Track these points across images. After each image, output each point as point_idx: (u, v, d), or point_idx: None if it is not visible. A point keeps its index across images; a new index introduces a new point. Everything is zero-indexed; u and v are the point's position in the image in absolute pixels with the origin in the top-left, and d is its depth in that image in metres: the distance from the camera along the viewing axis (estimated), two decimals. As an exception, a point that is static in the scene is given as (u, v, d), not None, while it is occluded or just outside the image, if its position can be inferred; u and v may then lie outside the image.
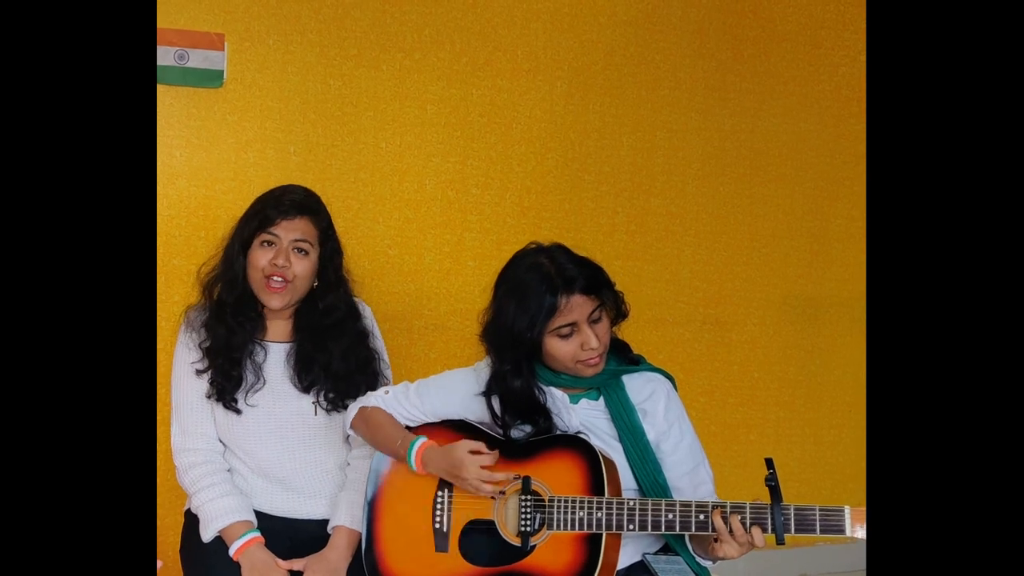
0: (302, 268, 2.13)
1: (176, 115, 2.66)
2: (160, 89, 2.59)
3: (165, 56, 2.60)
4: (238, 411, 2.13)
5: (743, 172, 3.26)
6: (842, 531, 1.73)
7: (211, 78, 2.67)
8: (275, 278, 2.11)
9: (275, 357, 2.18)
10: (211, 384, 2.14)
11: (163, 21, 2.57)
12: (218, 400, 2.13)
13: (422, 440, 1.95)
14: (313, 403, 2.16)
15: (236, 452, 2.17)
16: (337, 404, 2.16)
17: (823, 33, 3.31)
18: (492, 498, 1.90)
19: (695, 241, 3.22)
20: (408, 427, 2.03)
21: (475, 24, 2.92)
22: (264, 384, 2.15)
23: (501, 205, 3.00)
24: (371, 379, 2.21)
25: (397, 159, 2.88)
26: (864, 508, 1.69)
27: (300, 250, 2.13)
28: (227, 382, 2.12)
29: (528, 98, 3.00)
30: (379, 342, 2.30)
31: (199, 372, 2.14)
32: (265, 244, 2.12)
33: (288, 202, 2.14)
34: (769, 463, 1.76)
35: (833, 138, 3.35)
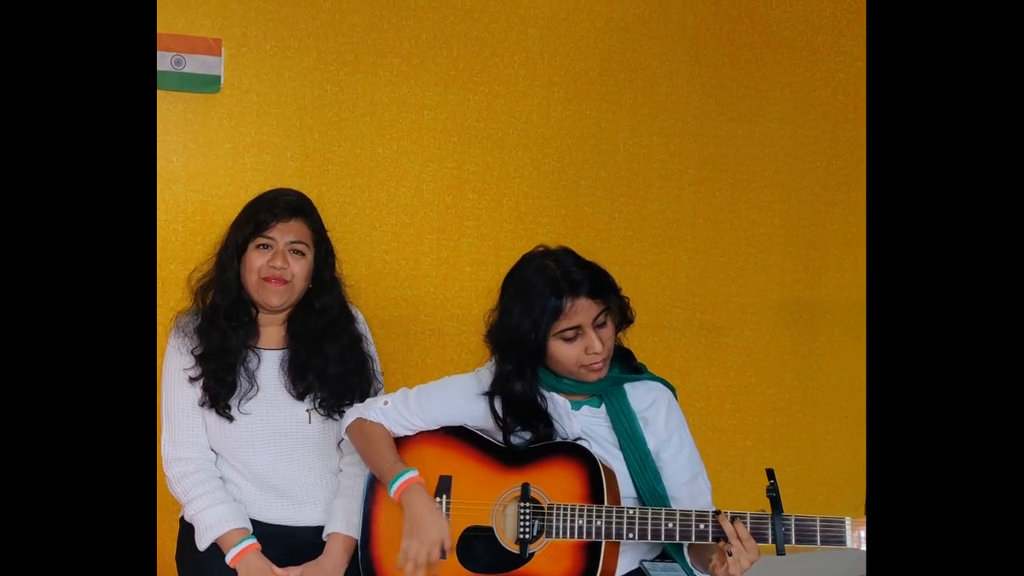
0: (299, 268, 2.14)
1: (173, 120, 2.65)
2: (157, 94, 2.59)
3: (162, 61, 2.59)
4: (231, 418, 2.12)
5: (740, 177, 3.26)
6: (843, 542, 1.72)
7: (208, 83, 2.66)
8: (273, 278, 2.12)
9: (269, 364, 2.17)
10: (204, 390, 2.12)
11: (160, 26, 2.56)
12: (211, 407, 2.12)
13: (412, 474, 1.92)
14: (307, 411, 2.16)
15: (229, 460, 2.16)
16: (332, 410, 2.15)
17: (820, 39, 3.32)
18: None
19: (692, 246, 3.22)
20: (407, 435, 2.03)
21: (472, 30, 2.92)
22: (258, 391, 2.14)
23: (498, 210, 3.00)
24: (365, 384, 2.20)
25: (394, 164, 2.87)
26: (864, 519, 1.68)
27: (296, 252, 2.14)
28: (221, 387, 2.11)
29: (525, 103, 3.00)
30: (372, 347, 2.29)
31: (191, 379, 2.13)
32: (261, 247, 2.13)
33: (282, 204, 2.15)
34: (770, 474, 1.75)
35: (830, 144, 3.35)
